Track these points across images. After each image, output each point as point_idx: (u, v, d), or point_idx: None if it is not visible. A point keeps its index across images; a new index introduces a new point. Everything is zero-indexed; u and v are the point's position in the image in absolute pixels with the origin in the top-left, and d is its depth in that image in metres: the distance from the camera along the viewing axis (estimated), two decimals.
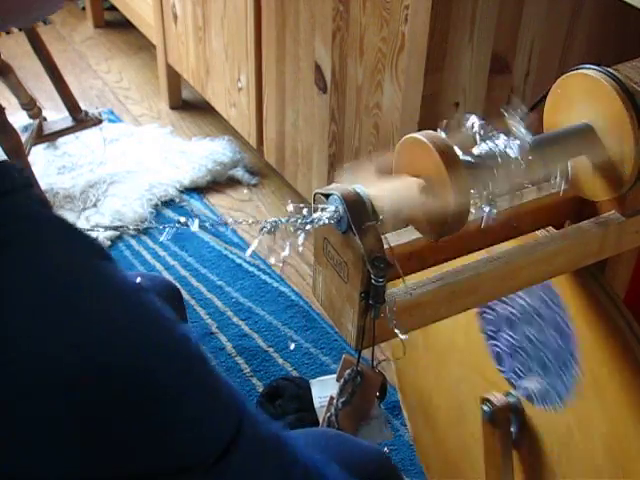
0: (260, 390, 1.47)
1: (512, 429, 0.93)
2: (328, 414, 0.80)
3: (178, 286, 1.12)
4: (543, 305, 0.83)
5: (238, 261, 1.77)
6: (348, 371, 0.78)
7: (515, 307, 0.86)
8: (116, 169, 2.02)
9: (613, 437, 0.81)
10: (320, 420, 0.83)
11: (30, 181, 0.45)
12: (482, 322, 0.93)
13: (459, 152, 0.64)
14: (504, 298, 0.87)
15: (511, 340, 0.89)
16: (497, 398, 0.91)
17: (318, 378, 0.89)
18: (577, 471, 0.88)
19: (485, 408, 0.92)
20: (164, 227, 0.62)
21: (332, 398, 0.81)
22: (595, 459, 0.85)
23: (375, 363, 0.77)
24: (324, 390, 0.87)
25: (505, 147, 0.66)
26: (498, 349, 0.92)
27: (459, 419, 1.06)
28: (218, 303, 1.66)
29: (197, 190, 1.99)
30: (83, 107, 1.97)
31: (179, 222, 0.62)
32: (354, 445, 0.73)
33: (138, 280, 0.78)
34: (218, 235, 1.85)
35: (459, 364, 1.01)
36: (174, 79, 2.27)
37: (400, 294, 0.66)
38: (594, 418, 0.83)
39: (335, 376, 0.82)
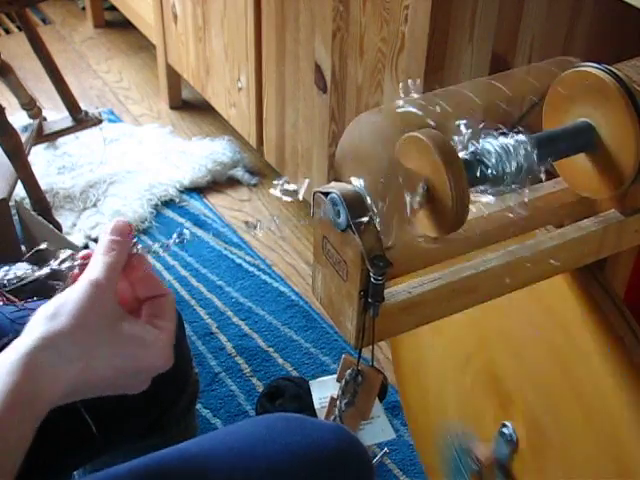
0: (260, 390, 1.47)
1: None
2: (332, 416, 0.79)
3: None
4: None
5: (238, 261, 1.77)
6: (349, 371, 0.78)
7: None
8: (116, 169, 2.02)
9: (615, 444, 0.81)
10: None
11: None
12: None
13: (459, 151, 0.64)
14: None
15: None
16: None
17: (318, 379, 0.88)
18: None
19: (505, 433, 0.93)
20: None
21: (333, 399, 0.81)
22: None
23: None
24: (324, 391, 0.87)
25: (505, 146, 0.66)
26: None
27: (461, 414, 1.06)
28: (218, 303, 1.66)
29: (197, 190, 1.99)
30: (83, 107, 1.98)
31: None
32: (313, 425, 0.74)
33: None
34: (218, 235, 1.85)
35: (462, 359, 1.01)
36: (174, 79, 2.27)
37: (399, 293, 0.66)
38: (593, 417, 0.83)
39: (334, 376, 0.82)
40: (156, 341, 0.58)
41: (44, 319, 0.55)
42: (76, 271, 0.61)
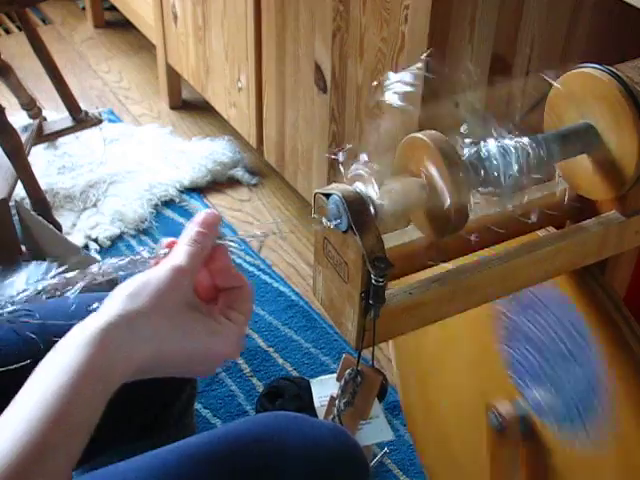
0: (260, 390, 1.47)
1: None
2: (331, 416, 0.80)
3: None
4: (568, 336, 0.82)
5: (238, 261, 1.77)
6: (348, 371, 0.78)
7: (536, 327, 0.85)
8: (116, 169, 2.02)
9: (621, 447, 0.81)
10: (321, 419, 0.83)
11: None
12: (496, 324, 0.91)
13: (460, 152, 0.64)
14: (524, 314, 0.86)
15: (526, 354, 0.88)
16: (506, 409, 0.90)
17: (318, 378, 0.89)
18: None
19: (492, 417, 0.90)
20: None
21: (332, 398, 0.81)
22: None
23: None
24: (324, 390, 0.87)
25: (506, 147, 0.66)
26: (510, 356, 0.91)
27: (462, 415, 1.06)
28: None
29: (197, 190, 1.99)
30: (83, 107, 1.97)
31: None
32: (311, 424, 0.75)
33: None
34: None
35: (464, 359, 1.01)
36: (174, 79, 2.27)
37: (400, 294, 0.66)
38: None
39: (335, 376, 0.82)
40: (226, 331, 0.59)
41: (125, 297, 0.55)
42: (161, 257, 0.61)
